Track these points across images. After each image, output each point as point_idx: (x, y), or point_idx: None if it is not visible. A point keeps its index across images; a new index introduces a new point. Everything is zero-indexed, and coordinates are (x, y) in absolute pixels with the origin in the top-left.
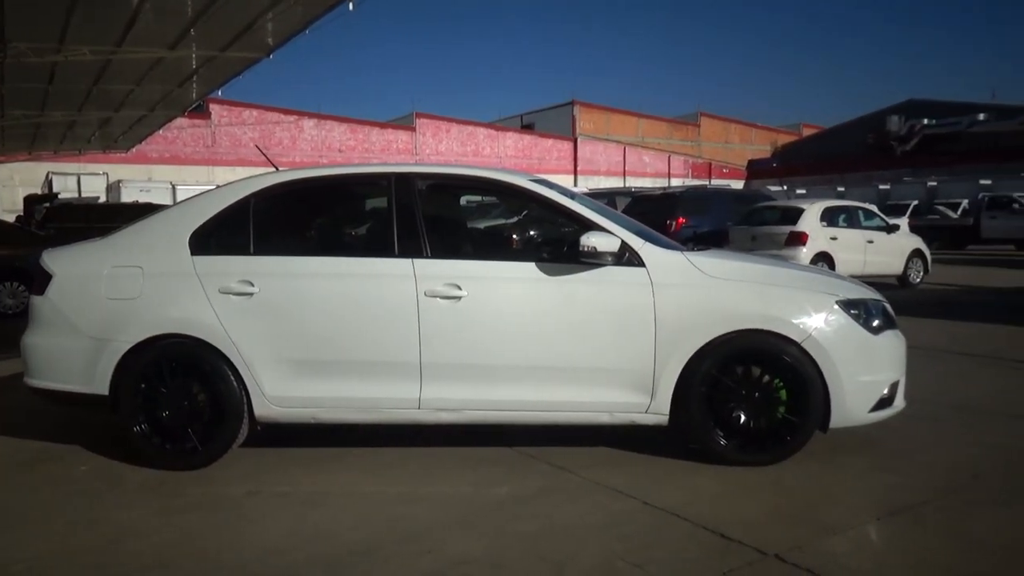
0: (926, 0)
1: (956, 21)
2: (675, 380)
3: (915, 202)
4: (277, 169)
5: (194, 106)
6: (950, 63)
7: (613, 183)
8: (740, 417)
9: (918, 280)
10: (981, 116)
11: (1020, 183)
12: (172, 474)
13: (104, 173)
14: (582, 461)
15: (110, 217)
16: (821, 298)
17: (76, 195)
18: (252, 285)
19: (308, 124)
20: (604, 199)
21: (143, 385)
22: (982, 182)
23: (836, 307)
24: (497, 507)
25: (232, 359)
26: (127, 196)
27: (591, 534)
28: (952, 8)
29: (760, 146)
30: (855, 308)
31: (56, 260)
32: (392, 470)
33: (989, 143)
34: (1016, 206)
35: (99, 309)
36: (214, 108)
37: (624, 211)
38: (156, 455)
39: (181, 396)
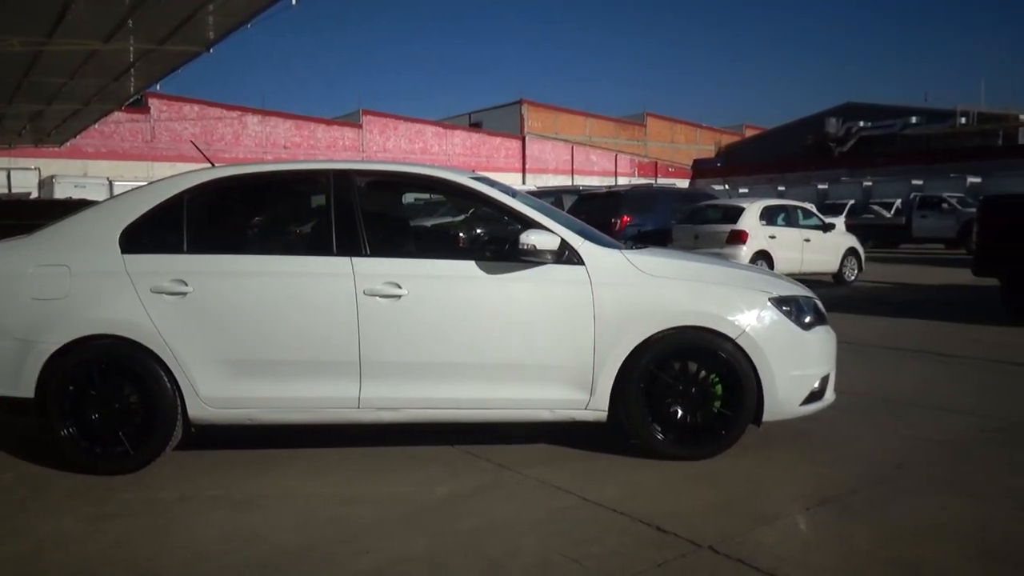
0: (863, 6)
1: (891, 27)
2: (614, 376)
3: (852, 201)
4: (213, 165)
5: (132, 100)
6: (885, 67)
7: (561, 181)
8: (677, 412)
9: (853, 278)
10: (914, 119)
11: (950, 184)
12: (102, 479)
13: (36, 168)
14: (523, 458)
15: (42, 214)
16: (755, 295)
17: (6, 190)
18: (186, 284)
19: (252, 120)
20: (551, 197)
21: (71, 388)
22: (914, 182)
23: (769, 304)
24: (438, 506)
25: (165, 360)
26: (61, 192)
27: (530, 530)
28: (887, 15)
29: (705, 146)
30: (787, 305)
31: None
32: (332, 471)
33: (921, 145)
34: (945, 206)
35: (24, 309)
36: (153, 103)
37: (570, 209)
38: (85, 460)
39: (111, 398)
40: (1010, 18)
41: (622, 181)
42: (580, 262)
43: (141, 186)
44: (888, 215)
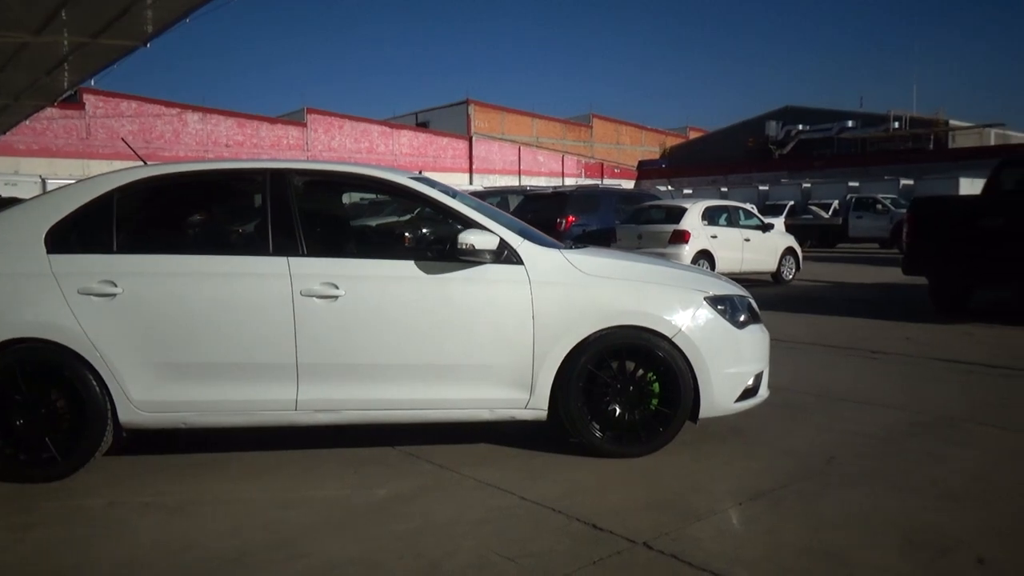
0: (801, 12)
1: (828, 32)
2: (553, 375)
3: (792, 202)
4: (145, 163)
5: (65, 96)
6: (823, 71)
7: (508, 182)
8: (616, 410)
9: (790, 277)
10: (850, 123)
11: (884, 185)
12: (27, 487)
13: None
14: (463, 459)
15: None
16: (690, 295)
17: None
18: (115, 285)
19: (192, 118)
20: (497, 198)
21: None
22: (850, 184)
23: (704, 303)
24: (376, 508)
25: (94, 363)
26: None
27: (468, 531)
28: (824, 20)
29: (650, 147)
30: (722, 304)
31: None
32: (268, 475)
33: (857, 148)
34: (879, 207)
35: None
36: (89, 99)
37: (516, 209)
38: (8, 467)
39: (37, 404)
40: (940, 26)
41: (569, 182)
42: (519, 262)
43: (69, 184)
44: (826, 216)
